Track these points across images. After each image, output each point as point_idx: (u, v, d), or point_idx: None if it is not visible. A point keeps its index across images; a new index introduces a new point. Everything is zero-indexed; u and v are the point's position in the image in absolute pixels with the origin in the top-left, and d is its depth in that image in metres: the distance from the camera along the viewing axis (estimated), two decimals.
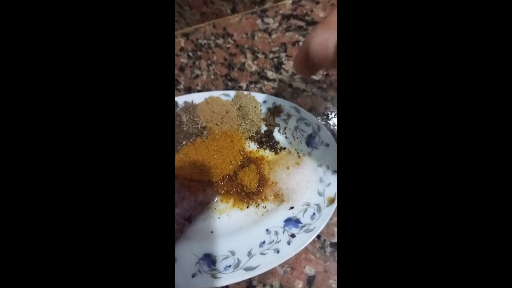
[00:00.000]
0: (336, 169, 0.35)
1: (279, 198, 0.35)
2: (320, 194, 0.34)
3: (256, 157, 0.38)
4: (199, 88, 0.47)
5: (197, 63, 0.50)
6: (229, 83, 0.47)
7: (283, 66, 0.47)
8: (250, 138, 0.40)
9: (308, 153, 0.37)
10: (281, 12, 0.52)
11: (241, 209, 0.35)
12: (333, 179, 0.34)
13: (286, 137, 0.39)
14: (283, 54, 0.48)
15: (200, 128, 0.39)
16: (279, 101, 0.40)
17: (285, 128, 0.39)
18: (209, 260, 0.31)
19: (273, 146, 0.38)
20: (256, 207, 0.35)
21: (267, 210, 0.35)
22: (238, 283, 0.31)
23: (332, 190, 0.34)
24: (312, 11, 0.51)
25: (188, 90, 0.47)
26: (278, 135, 0.39)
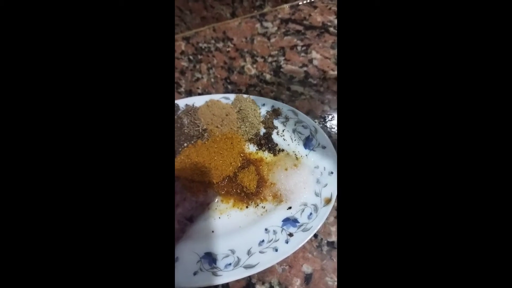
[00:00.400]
0: (332, 171, 0.36)
1: (278, 198, 0.36)
2: (317, 194, 0.35)
3: (255, 159, 0.39)
4: (199, 91, 0.48)
5: (197, 66, 0.51)
6: (229, 86, 0.48)
7: (281, 69, 0.48)
8: (250, 140, 0.41)
9: (306, 155, 0.38)
10: (279, 16, 0.53)
11: (240, 209, 0.36)
12: (329, 180, 0.35)
13: (284, 139, 0.40)
14: (281, 58, 0.49)
15: (201, 131, 0.40)
16: (278, 104, 0.42)
17: (283, 131, 0.40)
18: (210, 258, 0.32)
19: (272, 148, 0.40)
20: (255, 207, 0.36)
21: (266, 210, 0.36)
22: (238, 281, 0.32)
23: (328, 190, 0.35)
24: (310, 15, 0.52)
25: (189, 93, 0.48)
26: (276, 137, 0.40)
